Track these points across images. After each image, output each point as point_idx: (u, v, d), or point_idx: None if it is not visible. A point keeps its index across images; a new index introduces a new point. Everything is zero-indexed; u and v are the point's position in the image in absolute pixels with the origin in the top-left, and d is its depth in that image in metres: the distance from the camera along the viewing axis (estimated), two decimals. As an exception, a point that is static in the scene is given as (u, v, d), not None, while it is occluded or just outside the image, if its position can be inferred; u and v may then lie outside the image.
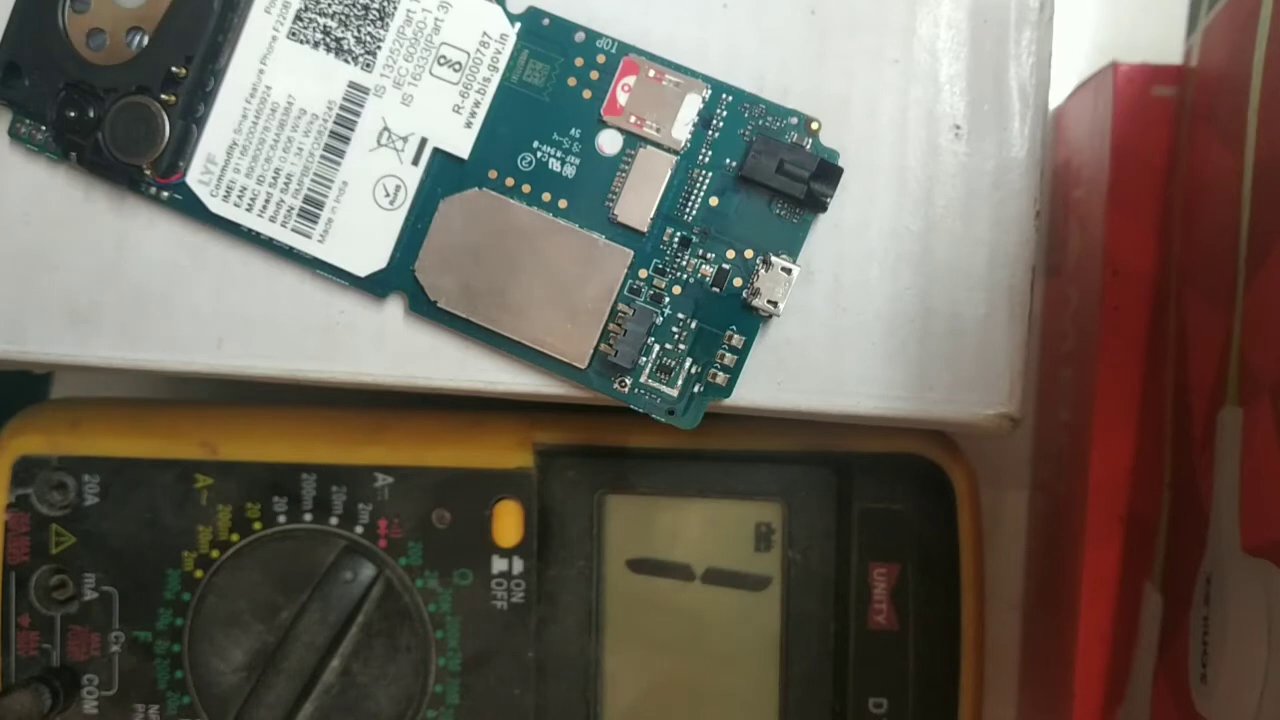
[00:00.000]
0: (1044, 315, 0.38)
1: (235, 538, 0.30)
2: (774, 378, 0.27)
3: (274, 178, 0.27)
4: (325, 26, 0.27)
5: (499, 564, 0.30)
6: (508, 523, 0.30)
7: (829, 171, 0.26)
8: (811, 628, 0.31)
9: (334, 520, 0.30)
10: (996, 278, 0.27)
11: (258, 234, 0.27)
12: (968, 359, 0.27)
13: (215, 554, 0.30)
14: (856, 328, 0.27)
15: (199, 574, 0.30)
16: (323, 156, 0.27)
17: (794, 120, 0.27)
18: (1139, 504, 0.32)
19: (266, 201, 0.27)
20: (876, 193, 0.27)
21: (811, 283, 0.27)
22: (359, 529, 0.30)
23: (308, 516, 0.30)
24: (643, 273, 0.27)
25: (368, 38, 0.27)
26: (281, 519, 0.30)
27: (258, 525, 0.30)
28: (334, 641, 0.30)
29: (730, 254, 0.27)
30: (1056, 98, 0.37)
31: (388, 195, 0.27)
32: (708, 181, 0.27)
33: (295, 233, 0.27)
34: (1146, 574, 0.31)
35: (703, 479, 0.31)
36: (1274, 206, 0.26)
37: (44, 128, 0.27)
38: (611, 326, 0.27)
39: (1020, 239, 0.27)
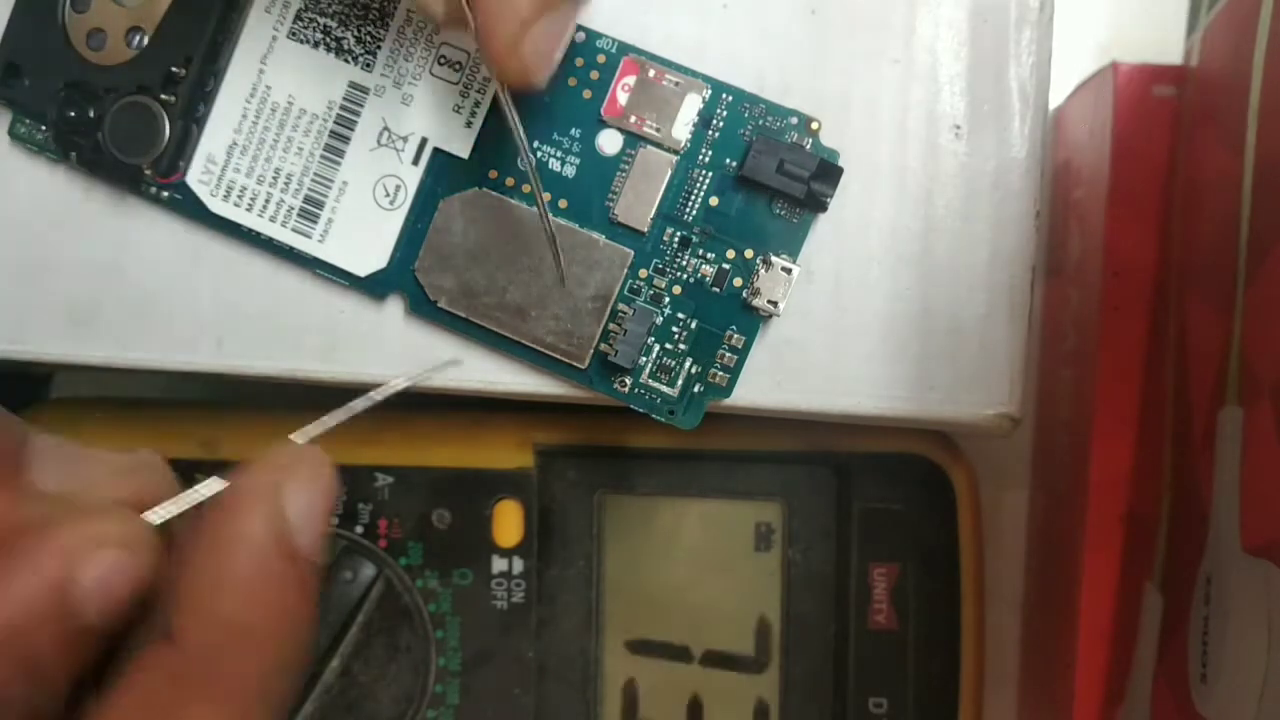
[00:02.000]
0: (1044, 315, 0.38)
1: (235, 537, 0.30)
2: (774, 378, 0.27)
3: (274, 177, 0.27)
4: (325, 26, 0.27)
5: (499, 564, 0.30)
6: (508, 523, 0.30)
7: (829, 171, 0.26)
8: (811, 628, 0.31)
9: (334, 520, 0.30)
10: (996, 278, 0.27)
11: (258, 234, 0.27)
12: (968, 359, 0.27)
13: (215, 554, 0.30)
14: (856, 328, 0.27)
15: (199, 574, 0.30)
16: (323, 156, 0.27)
17: (794, 120, 0.27)
18: (1139, 504, 0.32)
19: (267, 201, 0.27)
20: (877, 193, 0.27)
21: (812, 283, 0.27)
22: (359, 529, 0.30)
23: (308, 516, 0.30)
24: (643, 272, 0.27)
25: (368, 37, 0.27)
26: (282, 519, 0.30)
27: (258, 525, 0.30)
28: (334, 641, 0.30)
29: (730, 254, 0.27)
30: (1056, 98, 0.37)
31: (388, 195, 0.27)
32: (708, 181, 0.27)
33: (295, 232, 0.27)
34: (1146, 574, 0.31)
35: (703, 479, 0.31)
36: (1274, 207, 0.26)
37: (44, 127, 0.27)
38: (611, 326, 0.27)
39: (1020, 239, 0.27)
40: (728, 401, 0.27)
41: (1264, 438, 0.25)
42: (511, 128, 0.24)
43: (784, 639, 0.31)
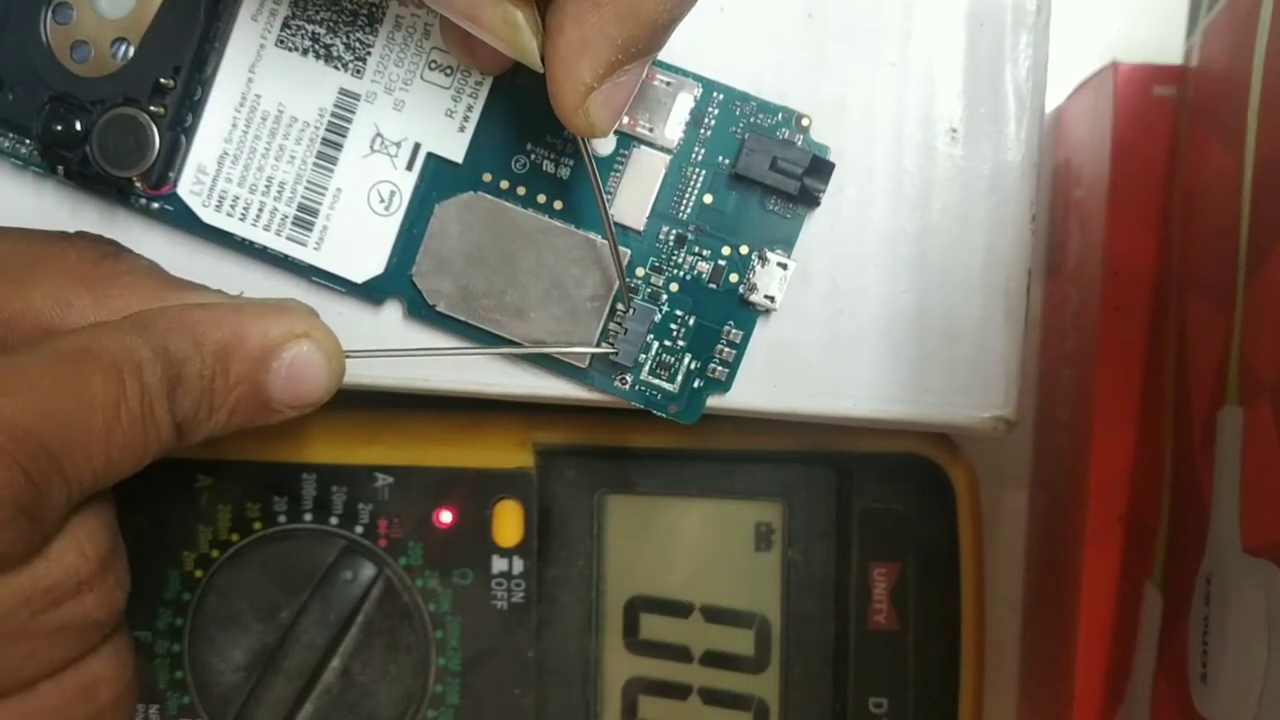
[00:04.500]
0: (1044, 315, 0.37)
1: (235, 537, 0.30)
2: (771, 380, 0.27)
3: (267, 186, 0.27)
4: (314, 34, 0.26)
5: (499, 564, 0.30)
6: (508, 523, 0.30)
7: (821, 167, 0.26)
8: (811, 628, 0.31)
9: (334, 520, 0.30)
10: (992, 281, 0.27)
11: (251, 243, 0.27)
12: (964, 362, 0.27)
13: (215, 553, 0.30)
14: (853, 330, 0.27)
15: (199, 573, 0.30)
16: (315, 164, 0.27)
17: (783, 116, 0.26)
18: (1139, 504, 0.32)
19: (260, 210, 0.27)
20: (873, 195, 0.27)
21: (808, 285, 0.27)
22: (359, 529, 0.30)
23: (308, 516, 0.30)
24: (640, 271, 0.27)
25: (357, 44, 0.26)
26: (282, 519, 0.30)
27: (258, 525, 0.30)
28: (334, 641, 0.30)
29: (726, 250, 0.27)
30: (1057, 98, 0.36)
31: (382, 201, 0.27)
32: (701, 179, 0.27)
33: (290, 241, 0.27)
34: (1146, 574, 0.31)
35: (703, 479, 0.31)
36: (1274, 206, 0.26)
37: (28, 141, 0.27)
38: (611, 325, 0.27)
39: (1016, 242, 0.27)
40: (725, 403, 0.27)
41: (1264, 438, 0.25)
42: (590, 176, 0.25)
43: (784, 639, 0.31)
